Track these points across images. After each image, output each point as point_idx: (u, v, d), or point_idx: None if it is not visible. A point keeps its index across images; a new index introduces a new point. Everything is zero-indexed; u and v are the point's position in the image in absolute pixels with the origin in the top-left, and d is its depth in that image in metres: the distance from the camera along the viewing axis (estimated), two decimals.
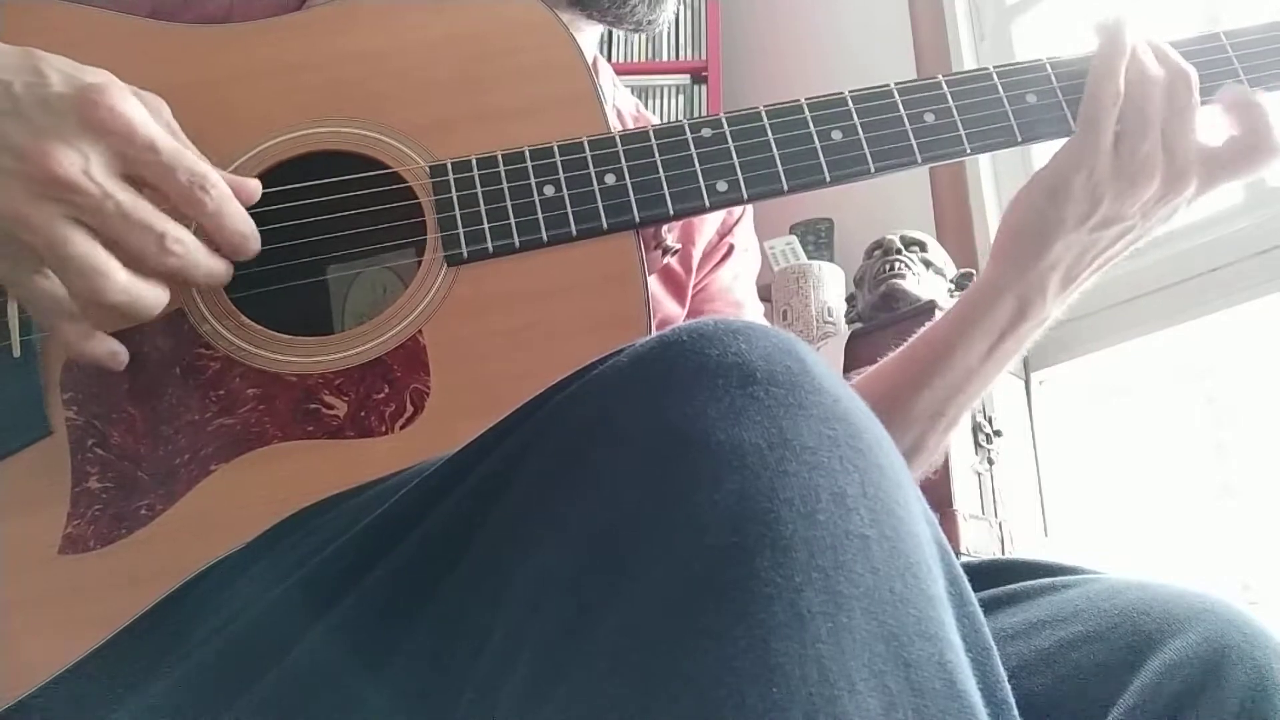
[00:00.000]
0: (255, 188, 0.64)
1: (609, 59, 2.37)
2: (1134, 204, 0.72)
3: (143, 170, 0.58)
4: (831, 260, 2.16)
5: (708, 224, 0.94)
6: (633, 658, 0.37)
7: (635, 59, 2.67)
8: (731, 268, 0.96)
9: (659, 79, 2.64)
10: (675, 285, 0.91)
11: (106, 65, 0.61)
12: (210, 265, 0.61)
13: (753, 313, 0.98)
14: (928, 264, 1.87)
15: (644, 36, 2.66)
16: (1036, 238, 0.74)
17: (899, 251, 1.85)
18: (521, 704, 0.39)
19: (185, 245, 0.59)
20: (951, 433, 0.84)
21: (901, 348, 0.85)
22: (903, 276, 1.82)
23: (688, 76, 2.64)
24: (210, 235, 0.61)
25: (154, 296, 0.59)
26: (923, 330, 0.83)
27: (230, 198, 0.61)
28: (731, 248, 0.96)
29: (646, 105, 1.01)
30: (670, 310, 0.90)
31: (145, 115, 0.59)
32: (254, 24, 0.72)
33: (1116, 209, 0.73)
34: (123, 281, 0.58)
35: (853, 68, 2.42)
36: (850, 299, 1.98)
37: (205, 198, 0.60)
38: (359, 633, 0.49)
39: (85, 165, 0.56)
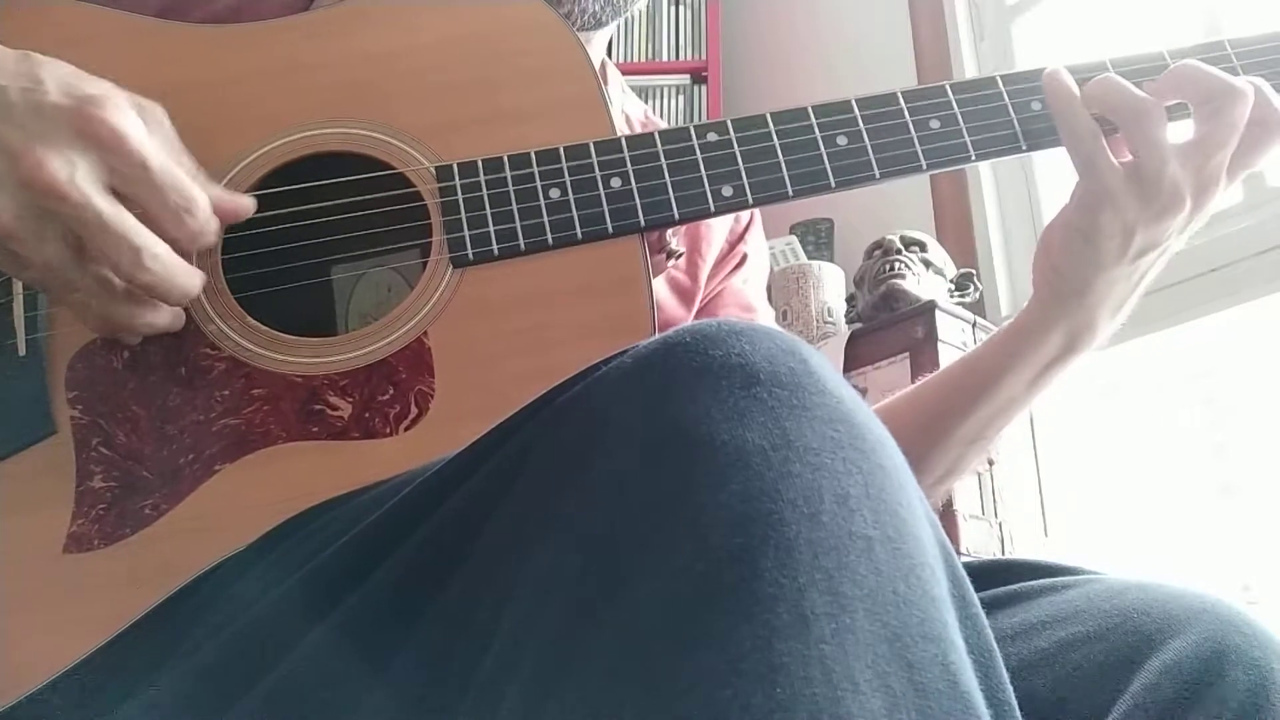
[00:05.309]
0: (249, 206, 0.64)
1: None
2: (1169, 228, 0.70)
3: (130, 186, 0.58)
4: (831, 260, 2.16)
5: (716, 232, 0.93)
6: (637, 659, 0.37)
7: (635, 59, 2.66)
8: (743, 273, 0.96)
9: (659, 79, 2.63)
10: (681, 292, 0.91)
11: (111, 64, 0.60)
12: (185, 284, 0.60)
13: (764, 317, 0.98)
14: (928, 264, 1.87)
15: (644, 37, 2.65)
16: (1077, 280, 0.73)
17: (899, 251, 1.85)
18: (525, 705, 0.39)
19: (162, 262, 0.58)
20: (987, 451, 0.84)
21: (943, 372, 0.84)
22: (903, 277, 1.82)
23: (688, 76, 2.63)
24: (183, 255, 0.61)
25: (142, 321, 0.61)
26: (966, 357, 0.82)
27: (211, 223, 0.61)
28: (745, 256, 0.96)
29: (646, 105, 1.01)
30: (675, 316, 0.89)
31: (141, 130, 0.58)
32: (261, 24, 0.72)
33: (1152, 236, 0.70)
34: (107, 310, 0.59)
35: (853, 68, 2.42)
36: (850, 299, 1.98)
37: (190, 221, 0.59)
38: (361, 633, 0.49)
39: (71, 173, 0.55)
